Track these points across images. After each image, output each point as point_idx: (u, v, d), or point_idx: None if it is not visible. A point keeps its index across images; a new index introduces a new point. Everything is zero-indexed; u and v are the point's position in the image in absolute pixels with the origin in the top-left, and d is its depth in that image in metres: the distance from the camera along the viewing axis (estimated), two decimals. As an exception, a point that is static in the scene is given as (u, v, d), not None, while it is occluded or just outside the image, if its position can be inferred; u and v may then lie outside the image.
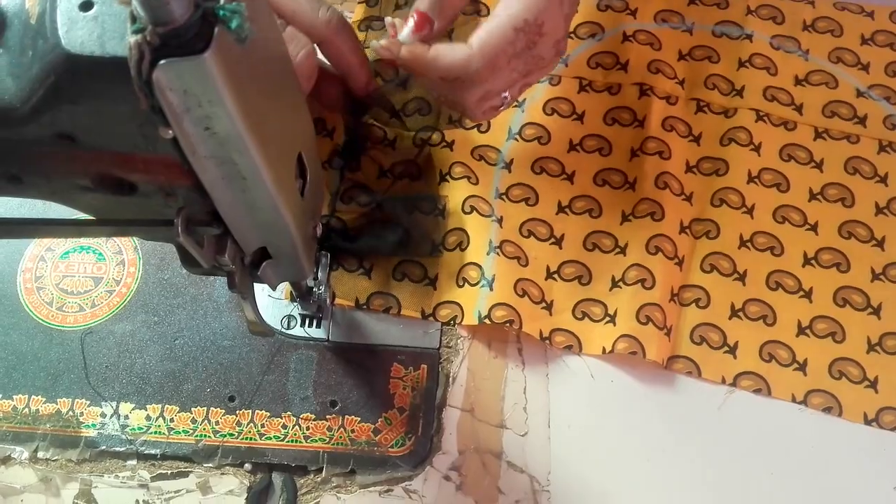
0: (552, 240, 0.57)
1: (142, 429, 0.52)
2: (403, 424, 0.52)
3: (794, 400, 0.53)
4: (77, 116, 0.30)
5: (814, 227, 0.58)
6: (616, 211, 0.58)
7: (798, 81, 0.63)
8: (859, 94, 0.63)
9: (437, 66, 0.50)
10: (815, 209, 0.58)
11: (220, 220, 0.35)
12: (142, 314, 0.55)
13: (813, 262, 0.57)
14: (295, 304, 0.55)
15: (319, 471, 0.51)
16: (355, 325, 0.55)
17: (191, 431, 0.52)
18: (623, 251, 0.56)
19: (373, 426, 0.52)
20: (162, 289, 0.56)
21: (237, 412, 0.52)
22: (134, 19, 0.26)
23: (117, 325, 0.55)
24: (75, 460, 0.51)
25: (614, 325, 0.54)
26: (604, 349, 0.53)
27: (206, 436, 0.51)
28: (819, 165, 0.60)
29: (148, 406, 0.52)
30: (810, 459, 0.51)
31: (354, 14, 0.66)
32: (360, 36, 0.65)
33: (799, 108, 0.62)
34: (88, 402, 0.52)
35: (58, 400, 0.52)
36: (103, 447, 0.51)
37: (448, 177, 0.58)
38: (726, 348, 0.54)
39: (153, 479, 0.51)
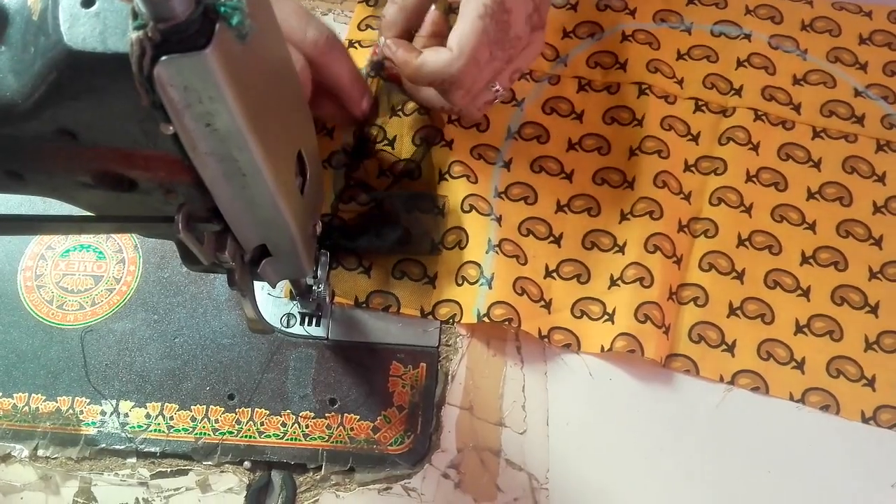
0: (551, 238, 0.58)
1: (141, 427, 0.52)
2: (402, 422, 0.52)
3: (791, 398, 0.53)
4: (78, 113, 0.30)
5: (812, 226, 0.58)
6: (615, 210, 0.58)
7: (796, 81, 0.63)
8: (857, 93, 0.63)
9: (423, 73, 0.53)
10: (813, 208, 0.59)
11: (220, 216, 0.36)
12: (142, 312, 0.55)
13: (811, 260, 0.57)
14: (294, 302, 0.55)
15: (318, 469, 0.51)
16: (354, 323, 0.55)
17: (190, 429, 0.52)
18: (622, 250, 0.57)
19: (372, 424, 0.52)
20: (162, 287, 0.56)
21: (236, 410, 0.52)
22: (135, 15, 0.26)
23: (117, 324, 0.55)
24: (75, 458, 0.51)
25: (613, 323, 0.54)
26: (602, 347, 0.54)
27: (205, 434, 0.52)
28: (817, 164, 0.60)
29: (148, 404, 0.52)
30: (808, 457, 0.51)
31: (354, 14, 0.66)
32: (360, 35, 0.65)
33: (797, 108, 0.62)
34: (88, 401, 0.52)
35: (58, 398, 0.52)
36: (103, 445, 0.51)
37: (447, 175, 0.58)
38: (724, 346, 0.54)
39: (153, 476, 0.51)
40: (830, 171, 0.60)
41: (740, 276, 0.56)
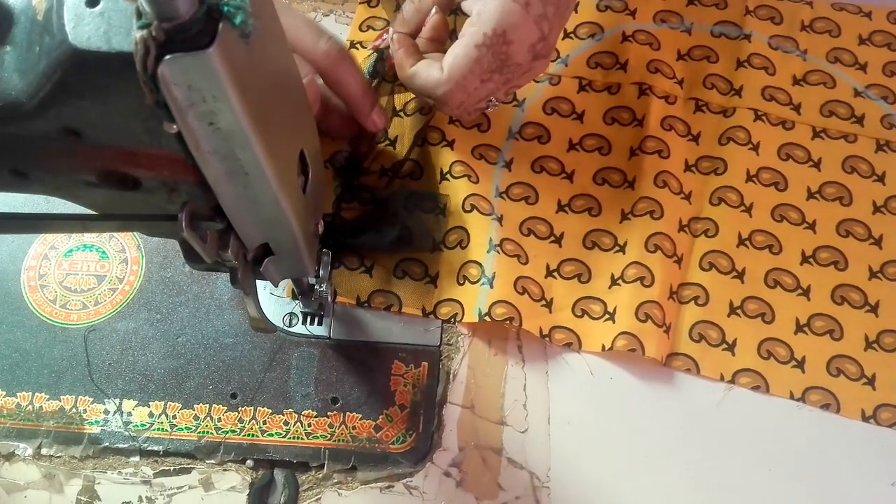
0: (552, 238, 0.58)
1: (144, 425, 0.52)
2: (404, 421, 0.52)
3: (792, 397, 0.53)
4: (83, 112, 0.30)
5: (812, 226, 0.58)
6: (615, 209, 0.58)
7: (796, 81, 0.63)
8: (857, 93, 0.63)
9: (413, 84, 0.55)
10: (813, 208, 0.59)
11: (223, 215, 0.36)
12: (144, 312, 0.55)
13: (811, 260, 0.57)
14: (297, 301, 0.55)
15: (321, 467, 0.51)
16: (356, 322, 0.55)
17: (193, 428, 0.52)
18: (622, 249, 0.57)
19: (374, 423, 0.52)
20: (165, 287, 0.56)
21: (239, 409, 0.52)
22: (140, 15, 0.26)
23: (120, 323, 0.55)
24: (78, 457, 0.51)
25: (614, 322, 0.54)
26: (603, 346, 0.54)
27: (208, 432, 0.52)
28: (817, 164, 0.60)
29: (151, 403, 0.53)
30: (808, 456, 0.51)
31: (355, 15, 0.67)
32: (361, 36, 0.66)
33: (797, 108, 0.62)
34: (92, 400, 0.53)
35: (61, 397, 0.53)
36: (106, 444, 0.51)
37: (448, 175, 0.59)
38: (725, 346, 0.54)
39: (156, 475, 0.51)
40: (830, 171, 0.60)
41: (741, 276, 0.56)
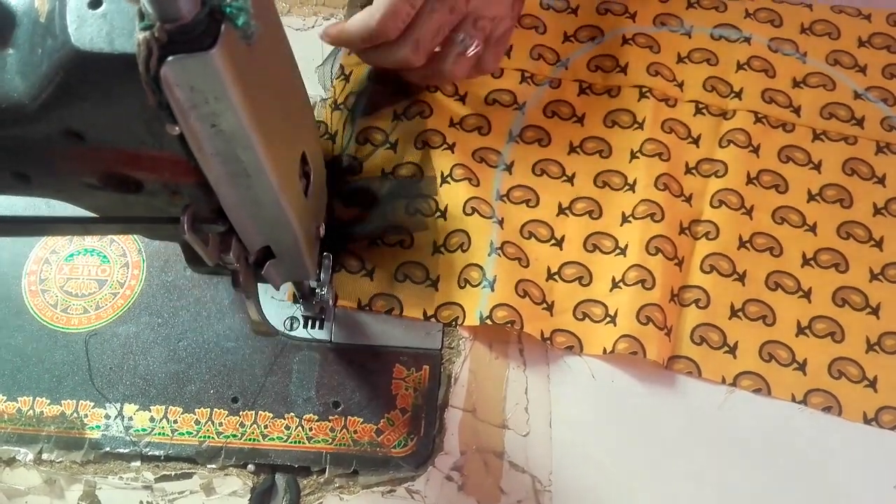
0: (553, 241, 0.58)
1: (145, 430, 0.52)
2: (406, 425, 0.52)
3: (793, 399, 0.53)
4: (85, 113, 0.30)
5: (812, 228, 0.58)
6: (616, 212, 0.58)
7: (796, 83, 0.64)
8: (857, 96, 0.63)
9: (352, 32, 0.55)
10: (813, 210, 0.59)
11: (225, 217, 0.36)
12: (145, 316, 0.55)
13: (812, 262, 0.57)
14: (298, 305, 0.55)
15: (322, 471, 0.51)
16: (358, 326, 0.55)
17: (194, 433, 0.52)
18: (623, 252, 0.57)
19: (375, 427, 0.52)
20: (166, 291, 0.56)
21: (240, 413, 0.52)
22: (142, 16, 0.26)
23: (121, 327, 0.55)
24: (79, 462, 0.51)
25: (615, 325, 0.54)
26: (605, 349, 0.54)
27: (209, 437, 0.52)
28: (817, 167, 0.60)
29: (152, 407, 0.52)
30: (810, 459, 0.51)
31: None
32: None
33: (797, 110, 0.62)
34: (93, 404, 0.53)
35: (62, 402, 0.53)
36: (107, 449, 0.51)
37: (449, 179, 0.59)
38: (726, 348, 0.54)
39: (157, 480, 0.51)
40: (831, 173, 0.60)
41: (741, 278, 0.56)
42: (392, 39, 0.54)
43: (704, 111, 0.62)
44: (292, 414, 0.52)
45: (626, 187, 0.59)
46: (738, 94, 0.63)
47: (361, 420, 0.52)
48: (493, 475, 0.51)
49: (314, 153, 0.42)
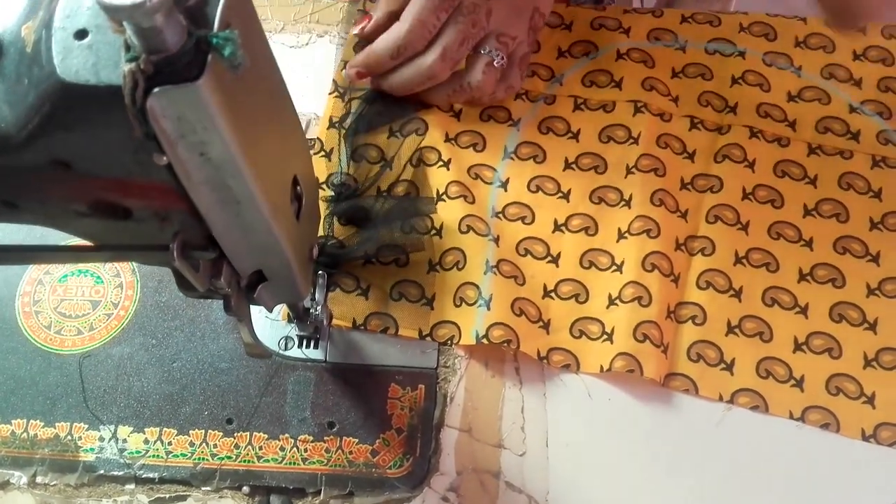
0: (549, 258, 0.58)
1: (140, 452, 0.52)
2: (401, 445, 0.52)
3: (791, 416, 0.53)
4: (72, 143, 0.30)
5: (809, 243, 0.58)
6: (612, 228, 0.58)
7: (791, 98, 0.63)
8: (852, 109, 0.63)
9: (381, 49, 0.58)
10: (809, 225, 0.59)
11: (215, 244, 0.36)
12: (139, 337, 0.55)
13: (808, 277, 0.57)
14: (292, 325, 0.55)
15: (318, 493, 0.51)
16: (353, 345, 0.55)
17: (189, 454, 0.51)
18: (619, 269, 0.56)
19: (371, 447, 0.52)
20: (159, 311, 0.56)
21: (235, 434, 0.52)
22: (128, 48, 0.26)
23: (115, 349, 0.55)
24: (74, 485, 0.51)
25: (611, 343, 0.54)
26: (601, 367, 0.54)
27: (204, 459, 0.51)
28: (813, 181, 0.60)
29: (146, 429, 0.52)
30: (809, 476, 0.51)
31: (350, 36, 0.67)
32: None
33: (792, 125, 0.62)
34: (87, 426, 0.52)
35: (56, 424, 0.52)
36: (101, 471, 0.51)
37: (444, 196, 0.59)
38: (723, 365, 0.54)
39: (151, 502, 0.50)
40: (826, 188, 0.60)
41: (738, 294, 0.56)
42: (420, 51, 0.58)
43: (699, 126, 0.62)
44: (287, 435, 0.52)
45: (622, 203, 0.59)
46: (734, 109, 0.63)
47: (357, 440, 0.52)
48: (490, 495, 0.51)
49: (306, 175, 0.42)
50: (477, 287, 0.55)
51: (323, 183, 0.60)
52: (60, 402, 0.53)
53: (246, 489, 0.51)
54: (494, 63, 0.59)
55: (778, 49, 0.66)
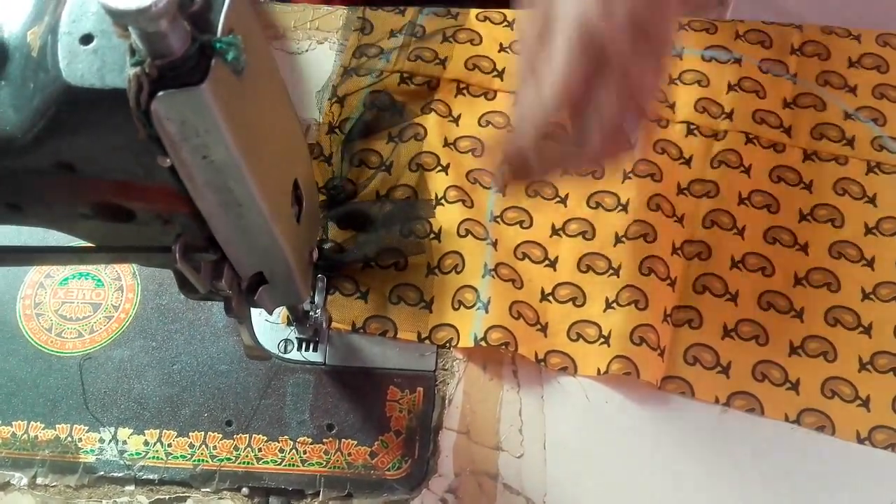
0: (546, 262, 0.58)
1: (140, 454, 0.52)
2: (400, 447, 0.52)
3: (787, 419, 0.53)
4: (77, 146, 0.31)
5: (804, 248, 0.58)
6: (609, 233, 0.59)
7: (787, 104, 0.64)
8: (847, 116, 0.63)
9: (527, 121, 0.44)
10: (805, 230, 0.59)
11: (216, 246, 0.36)
12: (140, 340, 0.55)
13: (804, 282, 0.57)
14: (292, 328, 0.55)
15: (316, 494, 0.51)
16: (352, 348, 0.55)
17: (188, 456, 0.52)
18: (616, 273, 0.57)
19: (369, 449, 0.52)
20: (160, 314, 0.56)
21: (234, 436, 0.52)
22: (133, 52, 0.27)
23: (115, 351, 0.55)
24: (74, 486, 0.51)
25: (608, 346, 0.54)
26: (598, 370, 0.54)
27: (203, 460, 0.52)
28: (808, 187, 0.61)
29: (146, 431, 0.53)
30: (804, 479, 0.51)
31: (349, 42, 0.67)
32: (356, 63, 0.66)
33: (788, 131, 0.63)
34: (87, 428, 0.53)
35: (56, 426, 0.53)
36: (101, 473, 0.51)
37: (443, 200, 0.59)
38: (719, 368, 0.54)
39: (151, 504, 0.51)
40: (822, 193, 0.60)
41: (734, 298, 0.56)
42: (571, 116, 0.44)
43: (696, 132, 0.63)
44: (286, 437, 0.52)
45: (619, 208, 0.60)
46: (730, 115, 0.63)
47: (355, 442, 0.52)
48: (488, 497, 0.51)
49: (306, 179, 0.43)
50: (475, 290, 0.55)
51: (322, 188, 0.60)
52: (61, 404, 0.53)
53: (245, 490, 0.51)
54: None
55: (774, 56, 0.66)
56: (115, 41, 0.28)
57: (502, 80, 0.65)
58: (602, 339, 0.55)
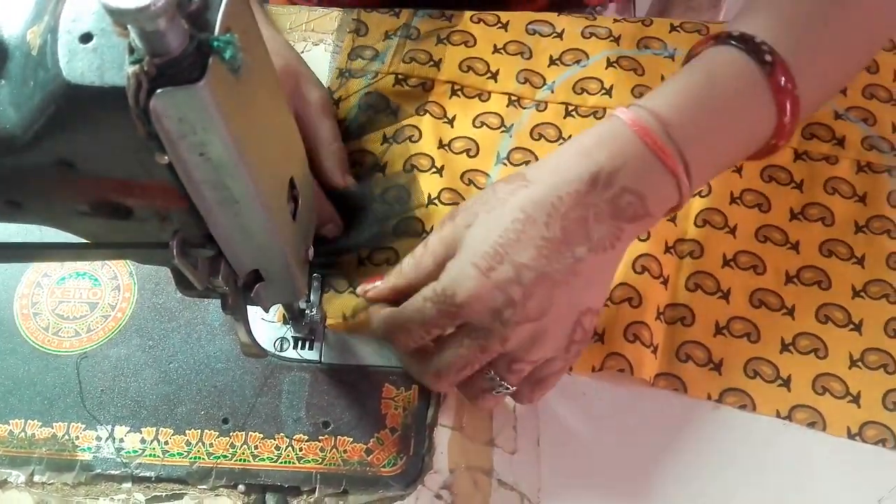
0: (540, 261, 0.58)
1: (137, 452, 0.52)
2: (395, 444, 0.53)
3: (778, 415, 0.54)
4: (76, 144, 0.31)
5: (795, 246, 0.59)
6: (602, 232, 0.59)
7: (778, 104, 0.64)
8: (837, 116, 0.64)
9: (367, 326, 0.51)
10: (796, 228, 0.60)
11: (214, 242, 0.37)
12: (137, 338, 0.56)
13: (795, 280, 0.58)
14: (288, 326, 0.56)
15: (312, 491, 0.51)
16: (347, 346, 0.56)
17: (185, 454, 0.52)
18: (609, 271, 0.57)
19: (365, 446, 0.52)
20: (156, 313, 0.57)
21: (231, 434, 0.53)
22: (132, 50, 0.27)
23: (112, 350, 0.55)
24: (71, 484, 0.51)
25: (602, 343, 0.55)
26: (593, 367, 0.54)
27: (200, 458, 0.52)
28: (799, 186, 0.61)
29: (143, 429, 0.53)
30: (796, 474, 0.52)
31: (344, 44, 0.68)
32: (350, 64, 0.67)
33: (779, 131, 0.63)
34: (84, 426, 0.53)
35: (53, 424, 0.53)
36: (98, 470, 0.52)
37: (437, 201, 0.59)
38: (711, 365, 0.55)
39: (148, 501, 0.51)
40: (812, 192, 0.61)
41: (726, 296, 0.57)
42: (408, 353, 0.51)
43: (688, 132, 0.63)
44: (282, 434, 0.53)
45: (612, 207, 0.60)
46: (721, 115, 0.64)
47: (351, 440, 0.53)
48: (483, 493, 0.51)
49: (302, 177, 0.43)
50: (469, 289, 0.56)
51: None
52: (58, 403, 0.54)
53: (241, 487, 0.51)
54: (493, 392, 0.49)
55: (765, 57, 0.67)
56: (115, 40, 0.29)
57: (496, 81, 0.66)
58: (596, 337, 0.55)
